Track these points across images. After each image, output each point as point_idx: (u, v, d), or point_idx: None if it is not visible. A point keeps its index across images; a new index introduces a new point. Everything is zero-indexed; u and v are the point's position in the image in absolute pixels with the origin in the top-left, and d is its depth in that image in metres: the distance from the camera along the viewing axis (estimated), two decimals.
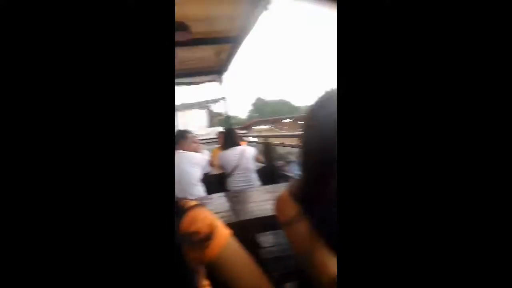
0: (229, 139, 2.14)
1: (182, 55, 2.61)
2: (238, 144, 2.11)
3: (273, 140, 3.11)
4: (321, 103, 0.52)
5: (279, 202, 0.58)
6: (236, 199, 1.46)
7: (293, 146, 2.59)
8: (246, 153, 2.03)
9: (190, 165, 1.80)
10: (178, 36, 1.84)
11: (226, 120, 4.73)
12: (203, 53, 2.89)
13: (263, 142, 3.13)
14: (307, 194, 0.53)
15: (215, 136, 3.39)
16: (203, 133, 5.47)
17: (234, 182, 2.00)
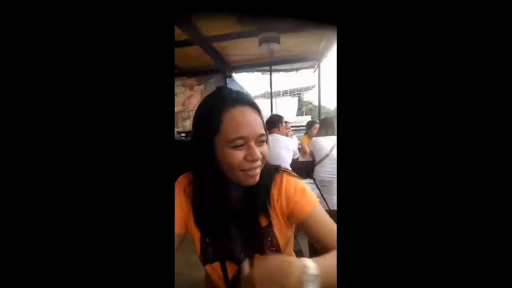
0: (327, 127, 2.12)
1: (286, 42, 2.68)
2: (334, 134, 2.07)
3: None
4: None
5: None
6: (325, 188, 1.47)
7: None
8: None
9: (282, 149, 1.90)
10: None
11: (315, 110, 4.65)
12: (306, 39, 2.89)
13: None
14: None
15: (303, 124, 3.40)
16: (292, 120, 5.56)
17: (322, 172, 1.99)
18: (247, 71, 3.93)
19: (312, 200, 0.55)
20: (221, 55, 3.14)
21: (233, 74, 3.74)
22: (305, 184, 0.57)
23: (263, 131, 0.50)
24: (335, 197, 1.31)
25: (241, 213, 0.54)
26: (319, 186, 1.69)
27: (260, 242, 0.55)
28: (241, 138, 0.48)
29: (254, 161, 0.49)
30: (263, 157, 0.50)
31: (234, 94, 0.51)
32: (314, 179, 1.98)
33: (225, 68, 3.53)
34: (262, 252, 0.55)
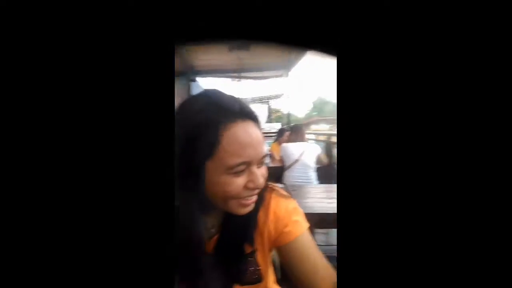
0: (295, 134, 2.17)
1: (256, 49, 2.71)
2: (303, 140, 2.12)
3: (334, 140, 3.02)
4: None
5: None
6: (295, 192, 1.48)
7: None
8: (309, 150, 2.03)
9: None
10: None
11: (284, 117, 4.76)
12: (276, 47, 2.95)
13: (324, 141, 3.07)
14: None
15: (273, 131, 3.45)
16: (261, 127, 5.61)
17: (292, 177, 2.02)
18: (215, 76, 3.89)
19: (302, 224, 0.47)
20: (187, 58, 3.07)
21: (197, 78, 3.65)
22: (295, 204, 0.50)
23: (265, 151, 0.41)
24: (305, 201, 1.32)
25: (224, 242, 0.46)
26: (289, 191, 1.69)
27: (242, 271, 0.46)
28: (244, 163, 0.38)
29: (256, 189, 0.40)
30: (264, 181, 0.41)
31: (235, 104, 0.39)
32: (284, 184, 1.99)
33: (189, 71, 3.45)
34: (243, 282, 0.47)
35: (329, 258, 0.47)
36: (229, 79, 3.93)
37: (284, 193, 0.51)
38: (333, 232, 1.54)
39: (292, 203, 0.49)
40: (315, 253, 0.46)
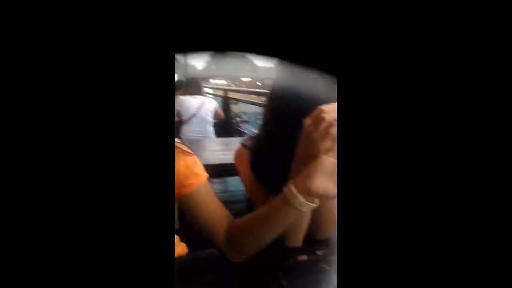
0: (192, 86, 2.09)
1: None
2: (200, 94, 2.07)
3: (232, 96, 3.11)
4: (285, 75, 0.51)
5: (238, 154, 0.64)
6: (192, 146, 1.50)
7: (255, 104, 2.64)
8: (207, 104, 2.02)
9: None
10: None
11: (181, 68, 4.46)
12: None
13: (222, 96, 3.10)
14: (260, 151, 0.59)
15: None
16: None
17: (190, 131, 2.00)
18: None
19: (202, 175, 0.51)
20: None
21: None
22: (195, 158, 0.53)
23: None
24: (203, 153, 1.36)
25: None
26: (187, 145, 1.70)
27: None
28: None
29: None
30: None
31: None
32: (181, 138, 1.96)
33: None
34: None
35: (224, 202, 0.53)
36: None
37: (185, 148, 0.53)
38: (228, 180, 1.68)
39: (191, 158, 0.52)
40: (214, 200, 0.52)
